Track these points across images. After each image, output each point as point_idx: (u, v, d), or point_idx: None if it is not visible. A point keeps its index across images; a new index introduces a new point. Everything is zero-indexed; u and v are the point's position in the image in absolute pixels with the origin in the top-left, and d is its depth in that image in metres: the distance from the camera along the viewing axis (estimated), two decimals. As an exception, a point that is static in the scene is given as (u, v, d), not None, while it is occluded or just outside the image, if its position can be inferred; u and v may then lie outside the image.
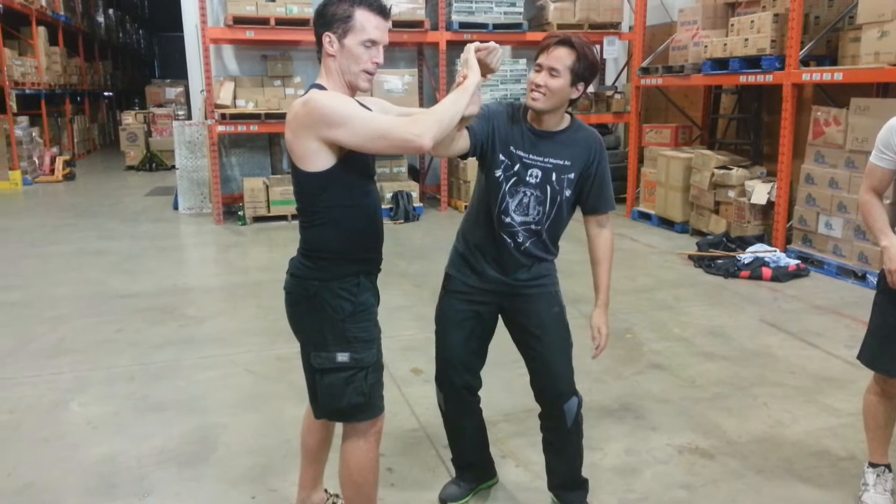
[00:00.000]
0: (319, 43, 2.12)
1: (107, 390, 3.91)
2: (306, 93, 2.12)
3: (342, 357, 2.15)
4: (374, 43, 2.10)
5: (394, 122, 2.03)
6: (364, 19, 2.07)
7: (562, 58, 2.30)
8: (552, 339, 2.56)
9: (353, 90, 2.16)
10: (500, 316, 2.65)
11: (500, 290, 2.55)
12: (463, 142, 2.35)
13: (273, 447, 3.27)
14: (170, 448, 3.27)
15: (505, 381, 3.77)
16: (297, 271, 2.21)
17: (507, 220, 2.47)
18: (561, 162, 2.44)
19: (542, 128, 2.44)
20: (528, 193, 2.45)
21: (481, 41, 2.21)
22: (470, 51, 2.18)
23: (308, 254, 2.18)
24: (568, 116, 2.50)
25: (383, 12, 2.11)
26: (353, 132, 1.99)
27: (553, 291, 2.59)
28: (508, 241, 2.50)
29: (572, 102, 2.44)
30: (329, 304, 2.14)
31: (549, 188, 2.45)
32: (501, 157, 2.45)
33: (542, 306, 2.56)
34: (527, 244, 2.50)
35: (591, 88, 9.64)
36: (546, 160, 2.43)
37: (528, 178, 2.44)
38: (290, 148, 2.10)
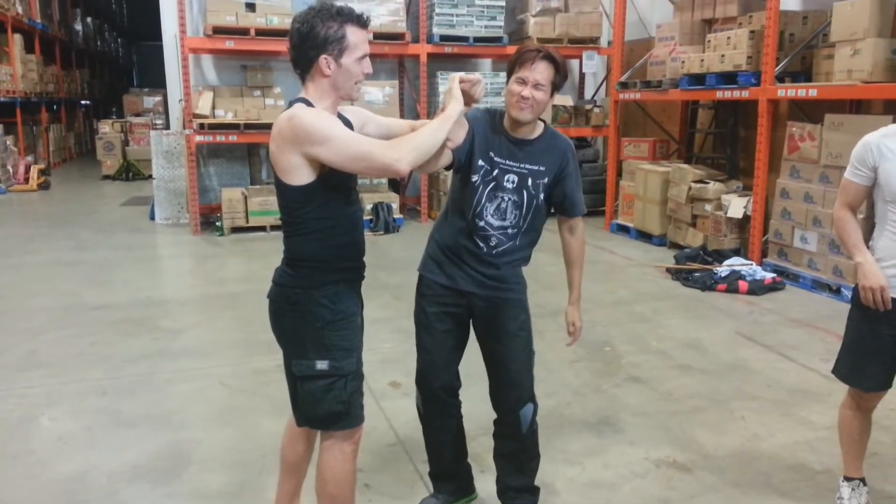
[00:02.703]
0: (308, 64, 2.12)
1: (78, 405, 3.83)
2: (290, 106, 2.14)
3: (321, 365, 2.18)
4: (364, 56, 2.16)
5: (375, 145, 2.07)
6: (355, 37, 2.11)
7: (546, 73, 2.41)
8: (514, 346, 2.61)
9: (345, 99, 2.22)
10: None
11: (469, 291, 2.58)
12: (446, 157, 2.42)
13: (249, 462, 3.22)
14: (142, 464, 3.21)
15: (485, 394, 3.75)
16: (280, 279, 2.24)
17: (482, 223, 2.53)
18: (536, 167, 2.53)
19: (518, 135, 2.54)
20: (506, 199, 2.52)
21: (464, 65, 2.27)
22: (454, 81, 2.25)
23: (291, 262, 2.22)
24: (541, 124, 2.59)
25: (366, 24, 2.17)
26: (335, 151, 2.03)
27: (520, 299, 2.64)
28: (481, 244, 2.55)
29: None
30: (309, 311, 2.18)
31: (525, 192, 2.53)
32: (481, 162, 2.52)
33: (509, 313, 2.60)
34: (499, 248, 2.56)
35: (570, 102, 9.74)
36: (522, 166, 2.52)
37: (505, 184, 2.52)
38: (274, 161, 2.12)
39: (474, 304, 2.60)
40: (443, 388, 2.69)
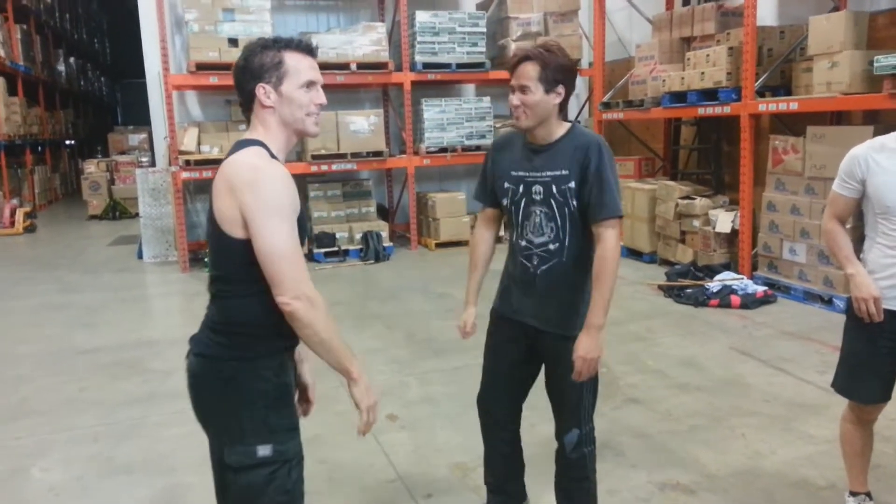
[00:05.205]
0: (249, 99, 1.93)
1: (70, 453, 3.76)
2: (242, 146, 1.89)
3: (263, 451, 1.86)
4: (312, 84, 1.94)
5: (302, 263, 1.80)
6: (295, 62, 1.91)
7: (527, 73, 2.35)
8: (569, 377, 2.47)
9: (300, 136, 2.00)
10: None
11: (528, 323, 2.54)
12: (496, 214, 2.64)
13: (245, 505, 3.15)
14: (136, 512, 3.14)
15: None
16: (206, 350, 1.90)
17: (524, 243, 2.50)
18: (558, 172, 2.40)
19: (536, 142, 2.45)
20: (538, 212, 2.45)
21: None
22: (372, 413, 1.97)
23: (223, 329, 1.89)
24: (566, 125, 2.47)
25: (311, 51, 1.97)
26: (266, 232, 1.76)
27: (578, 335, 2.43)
28: (527, 263, 2.50)
29: (562, 108, 2.44)
30: (248, 387, 1.86)
31: (553, 202, 2.41)
32: (506, 185, 2.50)
33: (567, 351, 2.44)
34: (543, 267, 2.46)
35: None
36: (544, 173, 2.42)
37: (533, 196, 2.45)
38: (220, 208, 1.83)
39: (536, 336, 2.54)
40: (499, 411, 2.70)
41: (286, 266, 1.76)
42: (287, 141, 1.97)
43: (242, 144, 1.90)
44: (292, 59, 1.91)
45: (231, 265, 1.87)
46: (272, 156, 1.89)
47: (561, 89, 2.37)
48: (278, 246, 1.76)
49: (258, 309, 1.85)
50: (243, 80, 1.92)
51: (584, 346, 2.38)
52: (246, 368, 1.87)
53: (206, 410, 1.94)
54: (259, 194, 1.77)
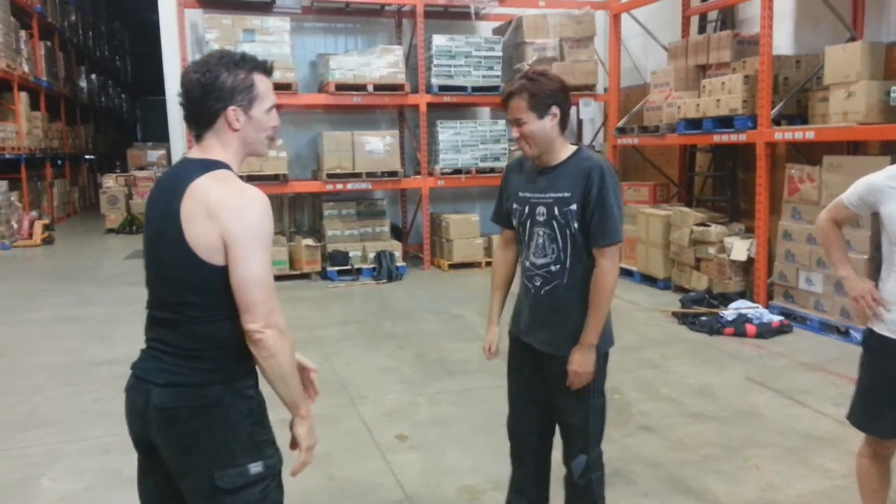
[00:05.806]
0: (211, 118, 1.87)
1: (80, 464, 3.77)
2: (209, 169, 1.84)
3: (255, 468, 1.86)
4: (273, 106, 1.96)
5: (273, 292, 1.81)
6: (263, 85, 1.92)
7: (517, 107, 2.42)
8: (570, 401, 2.51)
9: (252, 155, 2.00)
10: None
11: (532, 344, 2.56)
12: (514, 235, 2.62)
13: (253, 523, 3.14)
14: (144, 526, 3.13)
15: (496, 448, 3.69)
16: (182, 378, 1.83)
17: (528, 263, 2.53)
18: (560, 194, 2.44)
19: (542, 164, 2.50)
20: (541, 233, 2.48)
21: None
22: (309, 454, 1.96)
23: (199, 354, 1.84)
24: (572, 148, 2.50)
25: (271, 72, 1.99)
26: (248, 261, 1.76)
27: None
28: (529, 285, 2.54)
29: (564, 128, 2.47)
30: (235, 408, 1.85)
31: (555, 223, 2.45)
32: (514, 205, 2.55)
33: (564, 370, 2.48)
34: (546, 288, 2.49)
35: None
36: (547, 195, 2.46)
37: (537, 217, 2.49)
38: (196, 234, 1.78)
39: (541, 358, 2.55)
40: (524, 435, 2.68)
41: (262, 294, 1.77)
42: (242, 161, 1.95)
43: (206, 166, 1.84)
44: (261, 83, 1.91)
45: (204, 292, 1.82)
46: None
47: (555, 110, 2.41)
48: (256, 274, 1.77)
49: (233, 330, 1.82)
50: (207, 98, 1.85)
51: (576, 362, 2.45)
52: (231, 390, 1.85)
53: (186, 441, 1.85)
54: (245, 221, 1.77)
